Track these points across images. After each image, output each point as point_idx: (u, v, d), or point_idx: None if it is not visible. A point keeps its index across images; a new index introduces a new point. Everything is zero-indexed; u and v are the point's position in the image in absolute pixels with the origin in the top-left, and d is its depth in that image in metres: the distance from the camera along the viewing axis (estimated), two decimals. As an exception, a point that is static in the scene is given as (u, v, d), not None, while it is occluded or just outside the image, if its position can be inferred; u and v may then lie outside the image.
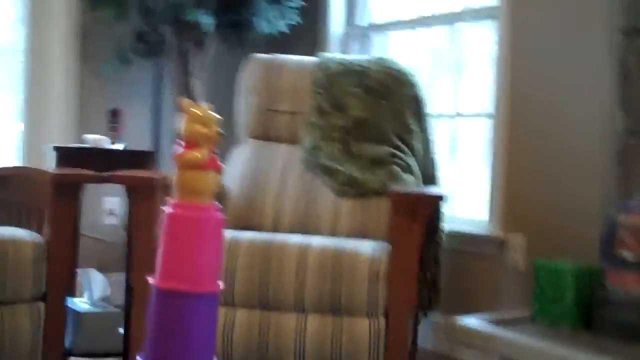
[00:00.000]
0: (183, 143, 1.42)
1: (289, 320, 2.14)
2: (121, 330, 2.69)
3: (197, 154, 1.41)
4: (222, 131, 1.45)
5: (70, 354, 2.69)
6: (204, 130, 1.42)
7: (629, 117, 2.32)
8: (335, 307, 2.13)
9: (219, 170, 1.44)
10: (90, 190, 2.43)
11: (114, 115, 3.14)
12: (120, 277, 3.03)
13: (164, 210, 1.38)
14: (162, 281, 1.37)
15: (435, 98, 3.30)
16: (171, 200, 1.40)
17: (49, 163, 3.03)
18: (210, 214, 1.42)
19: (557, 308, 1.98)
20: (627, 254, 1.92)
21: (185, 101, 1.44)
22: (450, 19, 3.31)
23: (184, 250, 1.43)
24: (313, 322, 2.14)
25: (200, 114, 1.43)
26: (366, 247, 2.20)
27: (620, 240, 1.96)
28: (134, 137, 3.39)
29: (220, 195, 2.68)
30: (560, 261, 2.06)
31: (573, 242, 2.49)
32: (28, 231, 2.26)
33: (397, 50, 3.64)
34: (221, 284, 1.35)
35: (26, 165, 3.49)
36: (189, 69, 3.49)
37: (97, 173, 2.32)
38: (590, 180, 2.55)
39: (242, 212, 2.63)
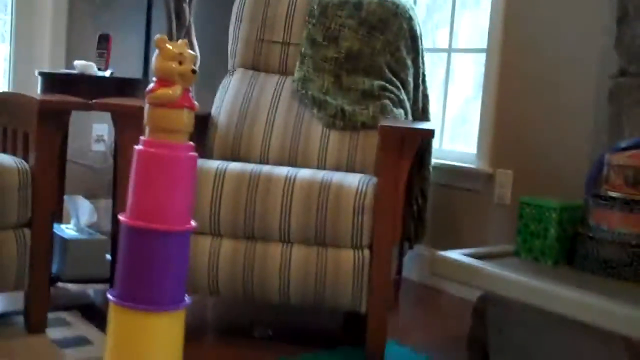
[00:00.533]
0: (155, 80, 1.38)
1: (274, 250, 2.15)
2: (108, 257, 2.70)
3: (170, 91, 1.38)
4: (196, 69, 1.41)
5: (58, 280, 2.72)
6: (178, 67, 1.38)
7: (623, 57, 2.29)
8: (320, 238, 2.14)
9: (192, 108, 1.41)
10: (79, 117, 2.41)
11: (103, 41, 3.09)
12: (107, 204, 3.03)
13: (134, 147, 1.34)
14: (132, 218, 1.35)
15: (432, 32, 3.26)
16: (143, 137, 1.37)
17: (36, 88, 3.00)
18: (181, 152, 1.39)
19: (540, 243, 1.99)
20: (613, 193, 1.93)
21: (160, 37, 1.39)
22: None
23: (154, 188, 1.40)
24: (298, 252, 2.15)
25: (175, 51, 1.39)
26: (352, 180, 2.19)
27: (607, 179, 1.96)
28: (123, 64, 3.35)
29: (208, 125, 2.69)
30: (545, 198, 2.06)
31: (560, 180, 2.50)
32: (13, 157, 2.24)
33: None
34: (193, 223, 1.33)
35: (13, 88, 3.46)
36: (181, -4, 3.44)
37: (84, 100, 2.30)
38: (581, 120, 2.54)
39: (229, 142, 2.62)
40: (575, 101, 2.57)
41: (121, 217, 1.39)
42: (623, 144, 2.05)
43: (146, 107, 1.39)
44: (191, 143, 1.42)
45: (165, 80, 1.39)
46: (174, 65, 1.40)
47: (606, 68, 2.37)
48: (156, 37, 1.39)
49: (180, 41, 1.43)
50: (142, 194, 1.38)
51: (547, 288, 1.75)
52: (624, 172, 1.92)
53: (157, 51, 1.36)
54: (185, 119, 1.39)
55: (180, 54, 1.38)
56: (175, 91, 1.41)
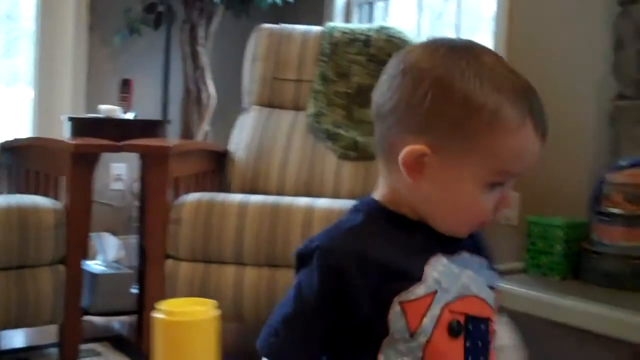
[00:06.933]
0: None
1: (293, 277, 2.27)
2: (134, 290, 2.82)
3: None
4: None
5: (87, 313, 2.84)
6: None
7: (620, 81, 2.42)
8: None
9: None
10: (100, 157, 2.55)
11: (125, 85, 3.25)
12: (127, 240, 3.17)
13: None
14: None
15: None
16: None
17: (61, 132, 3.15)
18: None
19: (547, 260, 2.10)
20: (613, 210, 2.04)
21: None
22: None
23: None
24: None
25: None
26: (368, 207, 2.32)
27: (608, 197, 2.08)
28: (143, 106, 3.50)
29: (226, 160, 2.82)
30: (551, 217, 2.18)
31: (565, 200, 2.61)
32: (47, 198, 2.38)
33: (398, 16, 3.73)
34: None
35: (37, 133, 3.61)
36: (196, 38, 3.59)
37: (114, 143, 2.44)
38: (583, 142, 2.65)
39: (249, 176, 2.76)
40: (577, 124, 2.69)
41: None
42: (622, 163, 2.16)
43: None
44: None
45: None
46: None
47: (606, 92, 2.49)
48: None
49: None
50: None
51: (555, 301, 1.86)
52: (624, 190, 2.04)
53: None
54: None
55: None
56: None
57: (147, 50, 3.73)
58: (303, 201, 2.36)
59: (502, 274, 2.12)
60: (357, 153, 2.73)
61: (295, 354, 0.89)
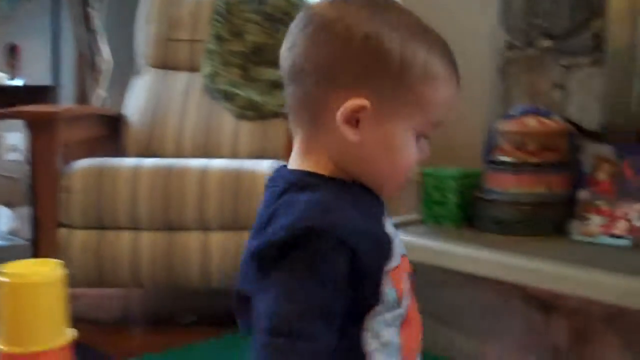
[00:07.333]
0: None
1: (194, 239, 2.24)
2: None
3: None
4: None
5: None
6: None
7: (508, 32, 2.45)
8: (236, 223, 2.23)
9: None
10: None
11: (12, 51, 3.11)
12: (25, 211, 3.06)
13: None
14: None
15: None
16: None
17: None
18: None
19: (442, 209, 2.13)
20: (503, 158, 2.08)
21: None
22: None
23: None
24: (217, 238, 2.24)
25: None
26: (264, 166, 2.29)
27: (499, 145, 2.11)
28: (33, 72, 3.37)
29: (120, 124, 2.74)
30: (445, 168, 2.20)
31: (462, 151, 2.65)
32: None
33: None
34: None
35: None
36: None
37: (-5, 109, 2.34)
38: (477, 94, 2.69)
39: (144, 140, 2.69)
40: (470, 76, 2.70)
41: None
42: (512, 112, 2.20)
43: None
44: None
45: None
46: None
47: (496, 43, 2.52)
48: None
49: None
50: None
51: (448, 249, 1.89)
52: (513, 138, 2.08)
53: None
54: None
55: None
56: None
57: (35, 14, 3.58)
58: (198, 162, 2.32)
59: (401, 225, 2.14)
60: (255, 112, 2.70)
61: (328, 349, 0.78)
